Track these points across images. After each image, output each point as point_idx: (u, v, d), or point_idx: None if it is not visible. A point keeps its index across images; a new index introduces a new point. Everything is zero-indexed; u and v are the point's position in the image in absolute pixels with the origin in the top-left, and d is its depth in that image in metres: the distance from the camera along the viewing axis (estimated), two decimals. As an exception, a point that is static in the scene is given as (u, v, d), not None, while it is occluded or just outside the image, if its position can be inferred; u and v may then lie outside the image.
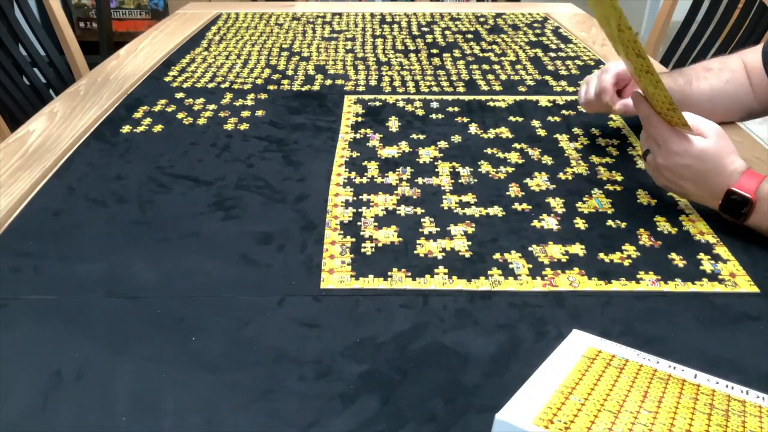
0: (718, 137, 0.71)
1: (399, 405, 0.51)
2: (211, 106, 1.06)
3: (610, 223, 0.75)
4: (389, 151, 0.91)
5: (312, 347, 0.56)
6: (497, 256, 0.69)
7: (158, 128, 0.98)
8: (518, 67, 1.25)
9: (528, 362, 0.54)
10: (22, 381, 0.53)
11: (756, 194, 0.69)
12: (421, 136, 0.96)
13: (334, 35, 1.46)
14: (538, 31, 1.49)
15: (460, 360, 0.55)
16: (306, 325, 0.59)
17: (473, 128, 0.99)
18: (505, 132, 0.98)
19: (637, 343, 0.51)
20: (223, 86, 1.15)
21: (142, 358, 0.55)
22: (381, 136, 0.96)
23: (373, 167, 0.87)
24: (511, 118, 1.02)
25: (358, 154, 0.91)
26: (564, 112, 1.04)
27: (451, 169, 0.86)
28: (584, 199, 0.80)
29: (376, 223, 0.75)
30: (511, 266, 0.67)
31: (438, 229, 0.73)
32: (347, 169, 0.86)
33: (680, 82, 0.92)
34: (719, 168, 0.71)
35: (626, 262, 0.68)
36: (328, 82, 1.18)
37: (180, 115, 1.03)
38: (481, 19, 1.59)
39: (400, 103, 1.08)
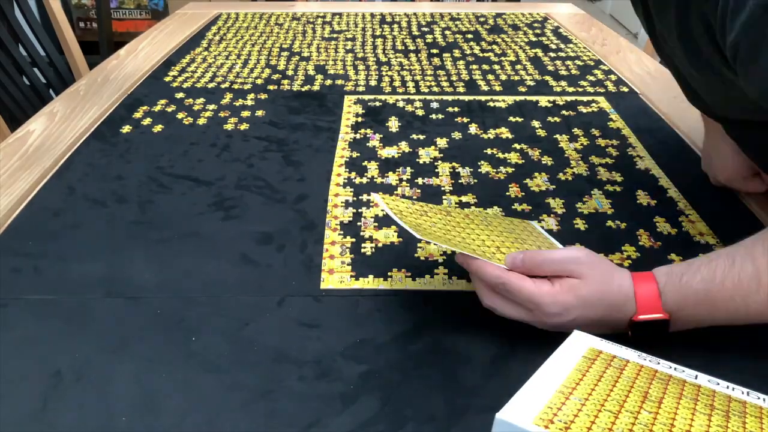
0: (590, 266, 0.56)
1: (399, 405, 0.51)
2: (211, 106, 1.06)
3: (609, 223, 0.75)
4: (389, 151, 0.92)
5: (312, 347, 0.56)
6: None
7: (158, 128, 0.98)
8: (518, 67, 1.25)
9: (528, 363, 0.54)
10: (22, 381, 0.53)
11: (665, 310, 0.55)
12: (421, 136, 0.96)
13: (334, 35, 1.46)
14: (538, 31, 1.49)
15: (460, 360, 0.55)
16: (306, 325, 0.59)
17: (473, 128, 0.99)
18: (505, 132, 0.98)
19: (638, 344, 0.51)
20: (223, 86, 1.15)
21: (142, 358, 0.55)
22: (381, 136, 0.96)
23: (373, 167, 0.87)
24: (511, 118, 1.02)
25: (358, 154, 0.91)
26: (564, 112, 1.05)
27: (451, 170, 0.86)
28: (584, 199, 0.80)
29: (376, 224, 0.75)
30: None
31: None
32: (347, 169, 0.86)
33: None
34: (610, 305, 0.55)
35: (626, 263, 0.68)
36: (328, 82, 1.18)
37: (180, 115, 1.03)
38: (481, 19, 1.59)
39: (400, 103, 1.08)
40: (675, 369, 0.47)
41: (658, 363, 0.48)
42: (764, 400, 0.45)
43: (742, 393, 0.45)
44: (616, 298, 0.55)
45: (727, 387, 0.46)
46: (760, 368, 0.55)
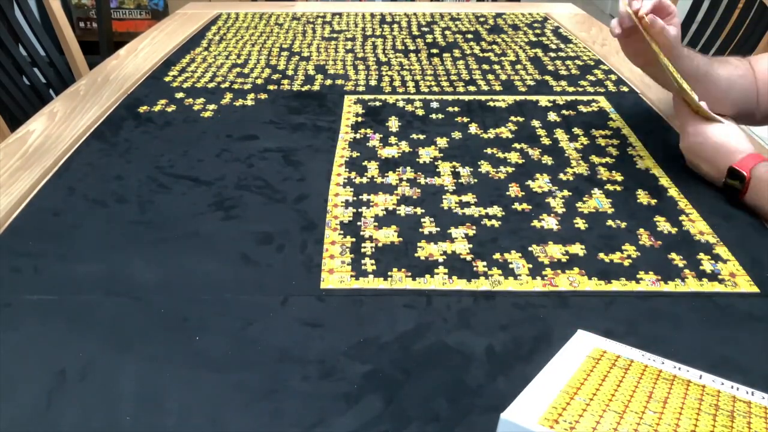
0: (728, 123, 0.81)
1: (403, 405, 0.51)
2: (211, 106, 1.06)
3: (610, 223, 0.75)
4: (389, 151, 0.92)
5: (315, 347, 0.56)
6: (497, 256, 0.69)
7: (158, 128, 0.98)
8: (518, 67, 1.25)
9: (532, 363, 0.54)
10: (26, 380, 0.53)
11: (751, 172, 0.76)
12: (421, 136, 0.96)
13: (334, 35, 1.46)
14: (538, 31, 1.49)
15: (464, 360, 0.55)
16: (309, 325, 0.59)
17: (473, 128, 0.99)
18: (505, 132, 0.98)
19: (641, 344, 0.51)
20: (223, 86, 1.15)
21: (146, 357, 0.55)
22: (381, 136, 0.96)
23: (373, 167, 0.87)
24: (512, 118, 1.02)
25: (358, 154, 0.91)
26: (564, 112, 1.05)
27: (452, 169, 0.87)
28: (584, 199, 0.80)
29: (376, 223, 0.75)
30: (511, 266, 0.67)
31: (438, 229, 0.74)
32: (347, 169, 0.87)
33: (700, 62, 0.90)
34: (726, 148, 0.79)
35: (626, 262, 0.68)
36: (328, 82, 1.18)
37: (180, 115, 1.03)
38: (481, 19, 1.59)
39: (400, 103, 1.08)
40: (679, 369, 0.47)
41: (663, 363, 0.48)
42: None
43: (747, 393, 0.45)
44: (732, 145, 0.79)
45: (732, 387, 0.46)
46: (765, 369, 0.55)
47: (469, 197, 0.80)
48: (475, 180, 0.84)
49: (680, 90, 0.82)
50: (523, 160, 0.89)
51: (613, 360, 0.47)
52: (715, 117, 0.82)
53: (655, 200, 0.79)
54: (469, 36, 1.46)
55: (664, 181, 0.84)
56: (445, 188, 0.82)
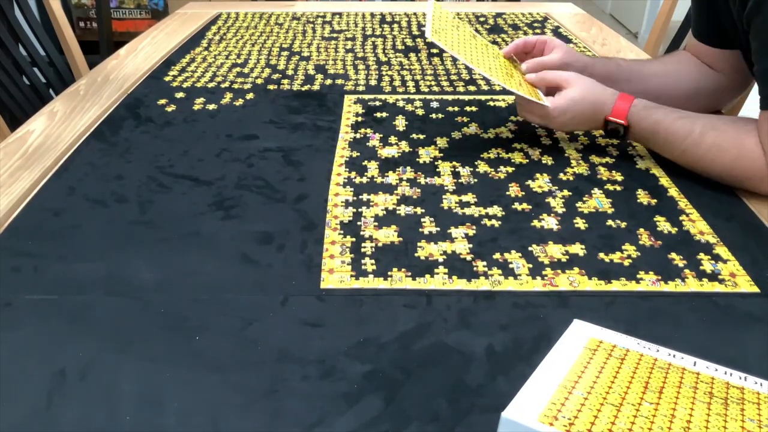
0: (579, 80, 0.85)
1: (403, 405, 0.51)
2: (211, 106, 1.06)
3: (610, 223, 0.75)
4: (389, 151, 0.92)
5: (315, 347, 0.57)
6: (497, 255, 0.69)
7: (158, 128, 0.98)
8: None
9: (532, 362, 0.54)
10: (26, 380, 0.53)
11: (627, 119, 0.82)
12: (421, 136, 0.96)
13: (334, 35, 1.46)
14: (538, 31, 1.49)
15: (464, 360, 0.55)
16: (309, 324, 0.59)
17: (473, 128, 0.99)
18: (505, 132, 0.98)
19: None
20: (223, 86, 1.15)
21: (146, 357, 0.55)
22: (381, 136, 0.96)
23: (373, 167, 0.87)
24: (511, 118, 1.02)
25: (358, 154, 0.91)
26: (564, 112, 1.04)
27: (452, 169, 0.87)
28: (584, 199, 0.80)
29: (376, 223, 0.75)
30: (511, 266, 0.67)
31: (438, 229, 0.74)
32: (347, 169, 0.87)
33: (620, 64, 0.98)
34: (595, 104, 0.84)
35: (626, 262, 0.68)
36: (328, 81, 1.18)
37: (180, 115, 1.03)
38: (481, 19, 1.59)
39: (400, 103, 1.08)
40: (674, 356, 0.48)
41: (657, 351, 0.48)
42: (761, 384, 0.46)
43: (740, 378, 0.46)
44: (599, 97, 0.84)
45: (725, 373, 0.46)
46: (766, 370, 0.55)
47: (469, 197, 0.80)
48: (475, 180, 0.84)
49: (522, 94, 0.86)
50: (523, 160, 0.89)
51: (609, 350, 0.47)
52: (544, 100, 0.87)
53: (655, 200, 0.79)
54: (469, 36, 1.46)
55: (664, 181, 0.84)
56: (445, 188, 0.82)
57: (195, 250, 0.70)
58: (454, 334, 0.58)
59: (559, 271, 0.67)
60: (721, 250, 0.70)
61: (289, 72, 1.22)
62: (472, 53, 0.88)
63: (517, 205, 0.78)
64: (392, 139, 0.95)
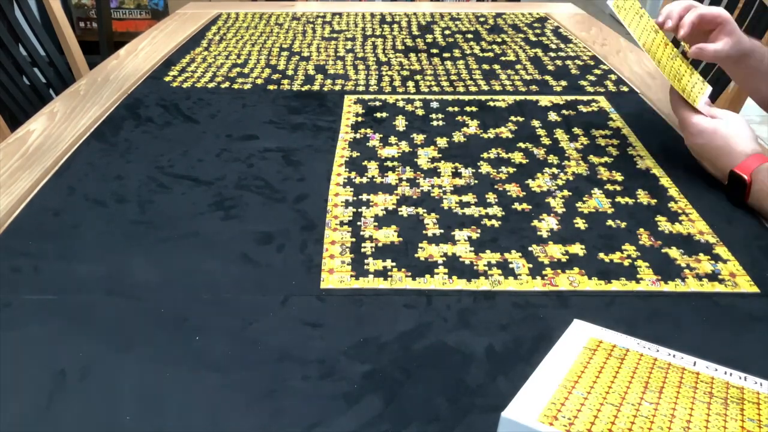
0: (729, 119, 0.79)
1: (403, 405, 0.51)
2: (211, 107, 1.06)
3: (609, 222, 0.75)
4: (389, 151, 0.92)
5: (315, 347, 0.56)
6: (497, 255, 0.69)
7: (158, 128, 0.98)
8: (518, 67, 1.25)
9: (532, 362, 0.54)
10: (26, 380, 0.53)
11: (751, 175, 0.74)
12: (421, 136, 0.96)
13: (334, 35, 1.46)
14: (538, 31, 1.49)
15: (464, 360, 0.55)
16: (309, 324, 0.59)
17: (473, 128, 0.99)
18: (505, 132, 0.98)
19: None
20: (223, 86, 1.15)
21: (146, 357, 0.55)
22: (381, 136, 0.96)
23: (373, 167, 0.87)
24: (512, 118, 1.02)
25: (358, 154, 0.91)
26: (564, 112, 1.05)
27: (452, 169, 0.87)
28: (584, 199, 0.80)
29: (376, 223, 0.75)
30: (511, 266, 0.67)
31: (438, 229, 0.74)
32: (347, 169, 0.87)
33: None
34: (727, 149, 0.78)
35: (626, 262, 0.68)
36: (328, 81, 1.18)
37: (180, 115, 1.03)
38: (481, 19, 1.59)
39: (400, 103, 1.08)
40: (674, 356, 0.48)
41: (657, 351, 0.48)
42: (761, 384, 0.46)
43: (740, 378, 0.46)
44: (733, 145, 0.77)
45: (725, 372, 0.46)
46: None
47: (469, 197, 0.80)
48: (476, 180, 0.84)
49: (682, 91, 0.83)
50: (524, 160, 0.89)
51: (609, 350, 0.47)
52: (712, 112, 0.82)
53: (655, 200, 0.79)
54: (469, 36, 1.46)
55: (664, 181, 0.84)
56: (445, 188, 0.82)
57: (195, 250, 0.70)
58: (454, 334, 0.58)
59: (559, 271, 0.67)
60: (721, 250, 0.70)
61: (289, 72, 1.22)
62: (646, 39, 0.86)
63: (517, 205, 0.78)
64: (392, 139, 0.95)
